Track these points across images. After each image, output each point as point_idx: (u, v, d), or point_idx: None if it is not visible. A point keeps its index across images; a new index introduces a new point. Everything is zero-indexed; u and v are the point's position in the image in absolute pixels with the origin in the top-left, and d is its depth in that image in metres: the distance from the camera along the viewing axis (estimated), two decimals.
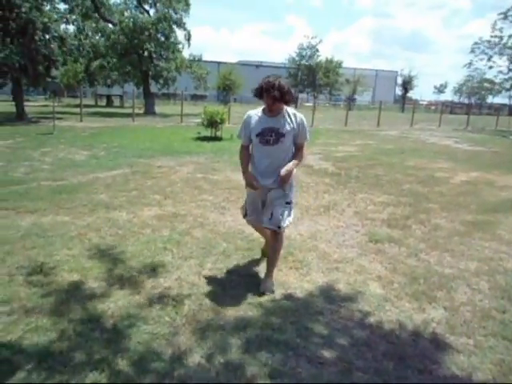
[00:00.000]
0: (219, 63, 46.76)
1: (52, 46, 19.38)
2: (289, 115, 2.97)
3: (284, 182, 2.93)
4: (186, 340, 2.37)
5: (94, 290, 2.91)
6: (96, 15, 25.14)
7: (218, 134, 12.00)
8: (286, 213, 3.03)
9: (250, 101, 43.47)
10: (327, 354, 2.30)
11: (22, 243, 3.64)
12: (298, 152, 3.07)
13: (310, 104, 32.88)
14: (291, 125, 2.95)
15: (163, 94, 32.78)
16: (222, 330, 2.48)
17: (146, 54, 24.82)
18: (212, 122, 11.62)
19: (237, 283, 3.09)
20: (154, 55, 24.79)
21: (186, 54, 27.25)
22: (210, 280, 3.13)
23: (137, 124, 17.46)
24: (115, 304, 2.72)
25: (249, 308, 2.74)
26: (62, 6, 24.34)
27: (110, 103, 34.98)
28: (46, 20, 19.78)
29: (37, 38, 18.41)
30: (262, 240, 3.95)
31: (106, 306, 2.69)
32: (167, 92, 30.79)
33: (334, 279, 3.21)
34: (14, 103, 18.42)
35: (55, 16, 22.50)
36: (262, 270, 3.30)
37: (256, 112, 3.03)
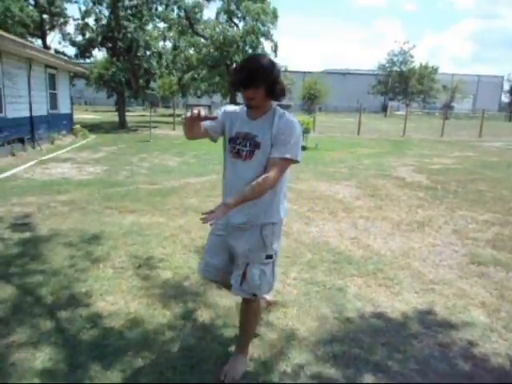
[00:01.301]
0: (304, 73, 46.96)
1: (151, 61, 21.20)
2: (273, 116, 1.91)
3: (219, 216, 1.70)
4: (270, 347, 2.37)
5: (186, 288, 3.05)
6: (190, 31, 27.02)
7: (303, 143, 11.97)
8: (268, 273, 2.04)
9: (338, 110, 42.99)
10: (423, 382, 2.12)
11: (124, 240, 3.98)
12: (267, 170, 1.85)
13: (401, 113, 31.36)
14: (270, 129, 1.88)
15: None
16: (306, 341, 2.43)
17: (234, 65, 25.92)
18: None
19: (322, 295, 3.01)
20: None
21: None
22: (295, 289, 3.09)
23: None
24: (204, 304, 2.83)
25: (335, 322, 2.65)
26: (162, 25, 26.55)
27: None
28: (147, 38, 21.73)
29: (139, 54, 20.29)
30: (350, 253, 3.86)
31: (197, 305, 2.81)
32: None
33: (430, 301, 2.96)
34: (117, 113, 20.47)
35: (155, 34, 24.61)
36: (349, 284, 3.18)
37: (236, 107, 2.05)
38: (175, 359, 2.21)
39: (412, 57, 44.39)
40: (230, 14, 26.04)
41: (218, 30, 26.44)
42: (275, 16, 25.08)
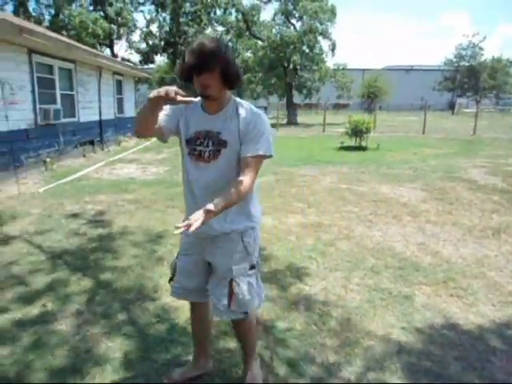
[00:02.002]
0: (364, 70, 45.58)
1: None
2: (237, 109, 1.69)
3: (199, 225, 1.46)
4: (333, 352, 2.30)
5: None
6: (247, 33, 27.40)
7: (363, 143, 11.62)
8: (255, 284, 1.84)
9: (400, 108, 41.13)
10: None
11: None
12: (240, 174, 1.65)
13: (471, 110, 29.24)
14: (236, 124, 1.67)
15: (305, 104, 33.55)
16: (372, 351, 2.33)
17: (290, 66, 25.82)
18: (357, 131, 11.32)
19: (387, 303, 2.87)
20: (299, 67, 25.59)
21: (330, 63, 27.43)
22: (358, 295, 2.98)
23: (280, 134, 18.20)
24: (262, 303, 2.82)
25: (402, 332, 2.51)
26: (220, 28, 27.20)
27: None
28: None
29: None
30: (417, 260, 3.65)
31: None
32: (309, 102, 31.40)
33: (510, 315, 2.71)
34: None
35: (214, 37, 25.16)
36: (417, 293, 3.01)
37: (194, 104, 1.63)
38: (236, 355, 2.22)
39: (482, 49, 41.22)
40: (287, 15, 25.98)
41: (274, 31, 26.52)
42: (333, 13, 24.62)
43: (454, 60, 42.51)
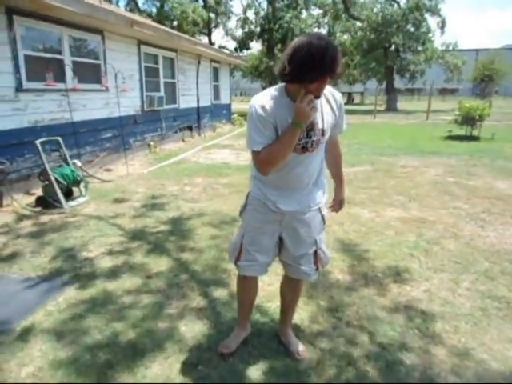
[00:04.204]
0: (477, 50, 40.81)
1: None
2: (326, 97, 1.74)
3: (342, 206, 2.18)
4: (439, 362, 2.07)
5: (339, 281, 2.93)
6: (345, 15, 26.25)
7: (475, 132, 10.40)
8: (325, 244, 2.05)
9: None
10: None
11: None
12: (334, 153, 2.00)
13: None
14: (331, 112, 1.77)
15: (407, 89, 31.31)
16: (485, 365, 2.05)
17: (392, 47, 24.18)
18: (468, 119, 10.14)
19: (505, 314, 2.50)
20: (401, 48, 23.84)
21: (437, 42, 25.06)
22: (468, 301, 2.64)
23: (378, 121, 17.27)
24: (360, 300, 2.66)
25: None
26: (316, 12, 26.51)
27: (350, 101, 36.10)
28: (303, 26, 21.95)
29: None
30: None
31: (352, 299, 2.66)
32: (411, 87, 29.22)
33: None
34: None
35: (310, 22, 24.68)
36: None
37: (272, 98, 1.66)
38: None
39: None
40: None
41: (375, 10, 25.00)
42: None
43: None
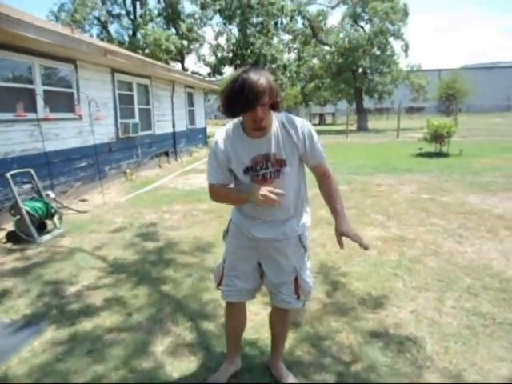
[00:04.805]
0: (440, 70, 42.88)
1: (277, 73, 21.99)
2: (283, 126, 1.77)
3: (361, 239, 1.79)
4: None
5: (326, 306, 2.89)
6: (314, 40, 27.21)
7: (444, 149, 10.80)
8: (310, 268, 2.01)
9: (483, 109, 38.03)
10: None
11: None
12: (325, 186, 1.88)
13: None
14: (291, 142, 1.76)
15: (376, 109, 32.41)
16: None
17: (360, 70, 25.10)
18: (437, 136, 10.54)
19: (491, 331, 2.52)
20: (369, 70, 24.78)
21: (403, 64, 26.21)
22: (455, 320, 2.66)
23: (350, 140, 17.71)
24: (348, 325, 2.62)
25: None
26: (286, 37, 27.33)
27: (322, 121, 36.97)
28: (273, 52, 22.56)
29: (266, 68, 21.25)
30: None
31: (340, 325, 2.62)
32: (380, 107, 30.29)
33: None
34: None
35: (281, 47, 25.41)
36: None
37: (227, 134, 1.80)
38: None
39: None
40: (356, 18, 25.37)
41: (342, 35, 26.02)
42: (406, 13, 23.56)
43: None
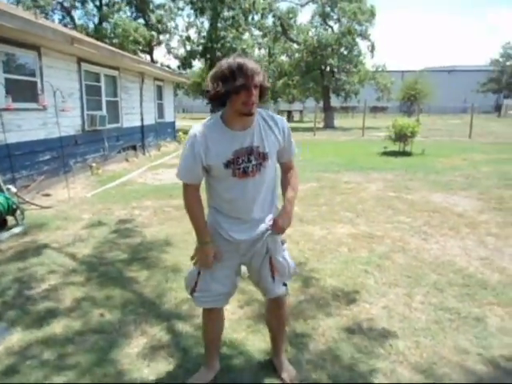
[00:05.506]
0: (403, 72, 44.34)
1: None
2: (265, 121, 1.80)
3: (283, 230, 1.83)
4: (407, 381, 2.12)
5: (301, 303, 2.93)
6: (283, 37, 27.33)
7: (408, 148, 11.19)
8: (287, 256, 2.01)
9: (442, 110, 39.64)
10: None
11: None
12: (287, 176, 1.94)
13: None
14: (273, 136, 1.79)
15: (342, 107, 33.06)
16: (447, 379, 2.13)
17: (328, 69, 25.48)
18: (401, 136, 10.91)
19: (457, 325, 2.65)
20: (336, 69, 25.21)
21: (368, 65, 26.87)
22: (424, 315, 2.77)
23: (318, 138, 17.96)
24: (323, 322, 2.67)
25: (479, 359, 2.29)
26: (257, 33, 27.31)
27: (290, 118, 37.25)
28: (244, 46, 22.45)
29: None
30: (482, 277, 3.37)
31: (317, 324, 2.66)
32: (345, 105, 30.93)
33: None
34: None
35: (251, 42, 25.34)
36: (488, 314, 2.77)
37: (207, 128, 1.75)
38: None
39: None
40: (325, 17, 25.70)
41: (311, 33, 26.29)
42: (373, 14, 24.13)
43: (501, 60, 40.55)
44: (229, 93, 1.62)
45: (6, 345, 2.41)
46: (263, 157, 1.76)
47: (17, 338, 2.48)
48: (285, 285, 2.01)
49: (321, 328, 2.61)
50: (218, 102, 1.70)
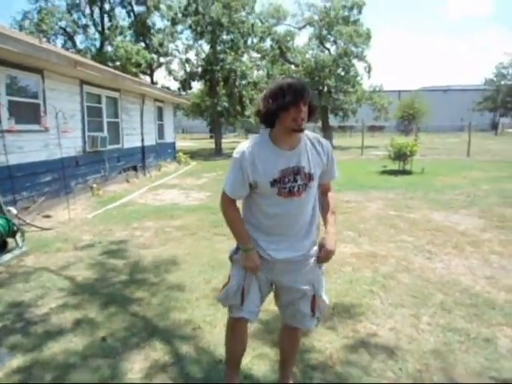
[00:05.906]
0: (400, 92, 45.02)
1: (247, 89, 22.23)
2: (311, 142, 1.83)
3: (332, 254, 1.88)
4: None
5: None
6: (281, 59, 27.84)
7: (407, 167, 11.24)
8: (325, 286, 2.00)
9: (439, 129, 40.11)
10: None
11: None
12: (327, 198, 1.98)
13: None
14: (318, 158, 1.82)
15: (339, 126, 33.37)
16: None
17: (325, 89, 25.83)
18: (400, 155, 10.97)
19: (467, 347, 2.59)
20: (334, 90, 25.56)
21: (366, 85, 27.28)
22: (431, 337, 2.72)
23: None
24: (331, 344, 2.62)
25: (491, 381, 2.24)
26: (256, 55, 27.82)
27: None
28: (244, 68, 22.84)
29: (236, 83, 21.42)
30: (489, 296, 3.33)
31: (322, 345, 2.61)
32: (343, 125, 31.24)
33: None
34: (212, 140, 21.68)
35: (250, 64, 25.79)
36: (498, 335, 2.72)
37: (255, 145, 1.78)
38: None
39: None
40: (322, 39, 26.22)
41: (308, 55, 26.78)
42: (369, 36, 24.64)
43: (495, 79, 41.27)
44: (279, 110, 1.68)
45: (6, 371, 2.35)
46: (309, 177, 1.79)
47: (17, 362, 2.42)
48: (318, 319, 2.01)
49: (328, 350, 2.55)
50: (268, 121, 1.76)
